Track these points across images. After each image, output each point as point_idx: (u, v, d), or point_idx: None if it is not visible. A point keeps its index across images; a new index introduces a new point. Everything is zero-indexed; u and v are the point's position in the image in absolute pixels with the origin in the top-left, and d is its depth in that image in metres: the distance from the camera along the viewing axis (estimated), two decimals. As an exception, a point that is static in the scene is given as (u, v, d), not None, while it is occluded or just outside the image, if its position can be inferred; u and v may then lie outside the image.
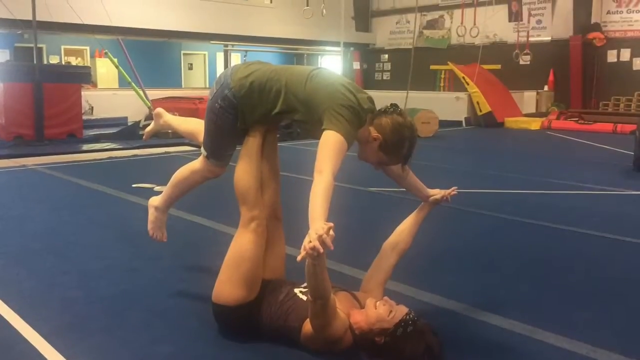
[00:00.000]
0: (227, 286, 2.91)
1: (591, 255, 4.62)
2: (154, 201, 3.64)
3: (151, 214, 3.66)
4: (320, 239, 2.21)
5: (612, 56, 17.94)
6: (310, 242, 2.21)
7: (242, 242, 2.95)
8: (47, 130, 11.00)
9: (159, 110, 3.90)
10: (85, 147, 10.80)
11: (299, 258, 2.25)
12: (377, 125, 2.84)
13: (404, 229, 3.21)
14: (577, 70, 18.16)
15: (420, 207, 3.26)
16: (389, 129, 2.82)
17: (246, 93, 2.95)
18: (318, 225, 2.29)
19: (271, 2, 21.12)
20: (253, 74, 2.97)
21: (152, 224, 3.68)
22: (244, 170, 3.03)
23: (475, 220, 5.64)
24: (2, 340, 2.96)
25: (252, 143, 3.06)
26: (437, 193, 3.21)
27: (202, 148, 3.28)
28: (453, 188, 3.23)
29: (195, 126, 3.60)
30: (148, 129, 3.95)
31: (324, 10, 15.25)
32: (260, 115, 2.98)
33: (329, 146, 2.64)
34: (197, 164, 3.35)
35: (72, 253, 4.45)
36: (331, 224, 2.28)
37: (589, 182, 7.53)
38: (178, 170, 3.48)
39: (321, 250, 2.21)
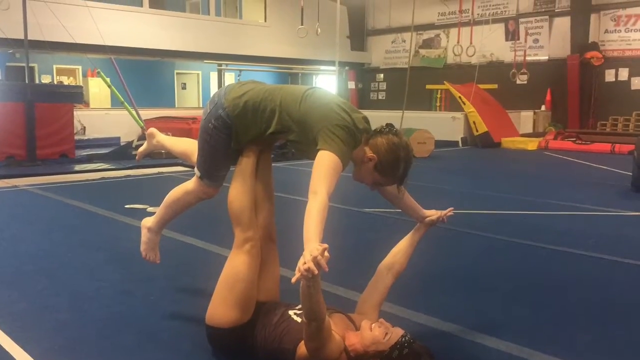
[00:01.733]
0: (220, 308, 2.92)
1: (589, 276, 4.65)
2: (147, 222, 3.65)
3: (144, 235, 3.66)
4: (315, 260, 2.22)
5: (610, 75, 18.06)
6: (305, 263, 2.22)
7: (236, 264, 2.95)
8: (39, 151, 11.04)
9: (152, 130, 3.92)
10: (77, 167, 10.84)
11: (293, 280, 2.26)
12: (373, 145, 2.86)
13: (400, 251, 3.21)
14: (574, 89, 18.27)
15: (416, 228, 3.26)
16: (385, 150, 2.84)
17: (240, 113, 2.96)
18: (312, 246, 2.30)
19: (265, 20, 21.27)
20: (247, 94, 2.99)
21: (145, 245, 3.68)
22: (238, 191, 3.04)
23: (472, 241, 5.66)
24: (-7, 363, 2.97)
25: (246, 163, 3.07)
26: (433, 214, 3.22)
27: (195, 168, 3.29)
28: (449, 209, 3.24)
29: (189, 146, 3.62)
30: (141, 149, 3.98)
31: (319, 29, 15.34)
32: (254, 135, 3.00)
33: (324, 166, 2.66)
34: (190, 184, 3.36)
35: (65, 275, 4.46)
36: (326, 245, 2.29)
37: (587, 203, 7.56)
38: (171, 191, 3.49)
39: (316, 272, 2.22)
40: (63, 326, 3.45)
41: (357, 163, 2.91)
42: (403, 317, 3.58)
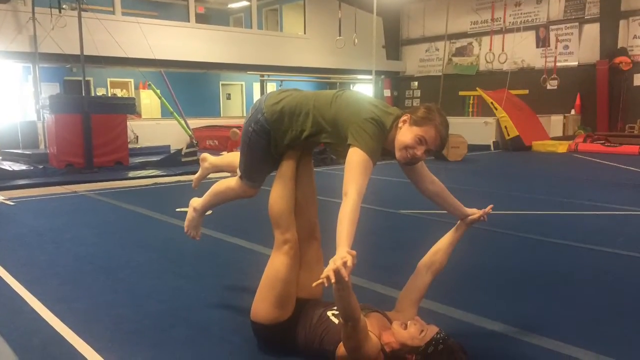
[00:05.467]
0: (262, 305, 2.97)
1: (618, 273, 4.58)
2: (195, 202, 3.75)
3: (189, 213, 3.78)
4: (336, 270, 2.22)
5: (638, 80, 17.77)
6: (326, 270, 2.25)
7: (276, 264, 2.99)
8: (95, 159, 11.31)
9: (204, 155, 4.01)
10: (131, 174, 11.06)
11: (314, 284, 2.30)
12: (406, 113, 2.82)
13: (440, 249, 3.17)
14: (603, 94, 18.01)
15: (456, 227, 3.22)
16: (416, 108, 2.81)
17: (277, 118, 3.00)
18: (338, 254, 2.31)
19: (305, 32, 21.37)
20: (284, 100, 3.02)
21: (189, 222, 3.80)
22: (278, 195, 3.07)
23: (504, 240, 5.63)
24: (59, 355, 3.07)
25: (287, 168, 3.10)
26: (474, 212, 3.18)
27: (238, 169, 3.36)
28: (489, 206, 3.21)
29: (235, 158, 3.67)
30: (196, 176, 4.05)
31: (356, 40, 15.39)
32: (291, 138, 3.01)
33: (354, 167, 2.65)
34: (233, 181, 3.43)
35: (121, 273, 4.57)
36: (352, 254, 2.29)
37: (615, 203, 7.46)
38: (217, 182, 3.57)
39: (333, 280, 2.21)
40: (121, 320, 3.54)
41: (396, 144, 2.80)
42: (438, 313, 3.60)
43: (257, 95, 24.15)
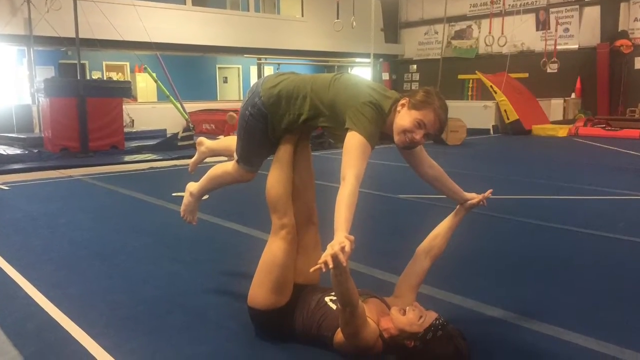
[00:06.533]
0: (259, 291, 2.96)
1: (618, 258, 4.58)
2: (191, 187, 3.74)
3: (186, 198, 3.77)
4: (334, 255, 2.21)
5: (639, 63, 17.72)
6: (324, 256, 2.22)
7: (273, 249, 2.98)
8: (91, 143, 11.27)
9: (200, 139, 3.98)
10: (127, 158, 11.03)
11: (311, 269, 2.28)
12: (405, 96, 2.79)
13: (439, 234, 3.15)
14: (604, 77, 17.96)
15: (456, 212, 3.21)
16: (415, 91, 2.78)
17: (274, 102, 2.97)
18: (336, 239, 2.29)
19: (302, 15, 21.25)
20: (281, 84, 3.00)
21: (185, 207, 3.79)
22: (275, 179, 3.06)
23: (503, 225, 5.62)
24: (54, 341, 3.05)
25: (284, 152, 3.08)
26: (473, 197, 3.17)
27: (235, 152, 3.34)
28: (488, 190, 3.19)
29: (232, 142, 3.64)
30: (192, 160, 4.02)
31: (354, 23, 15.30)
32: (288, 122, 2.99)
33: (352, 151, 2.63)
34: (230, 165, 3.40)
35: (117, 259, 4.55)
36: (350, 239, 2.27)
37: (616, 188, 7.45)
38: (214, 167, 3.54)
39: (331, 266, 2.20)
40: (117, 306, 3.53)
41: (394, 128, 2.77)
42: (437, 298, 3.58)
43: (254, 79, 24.00)
